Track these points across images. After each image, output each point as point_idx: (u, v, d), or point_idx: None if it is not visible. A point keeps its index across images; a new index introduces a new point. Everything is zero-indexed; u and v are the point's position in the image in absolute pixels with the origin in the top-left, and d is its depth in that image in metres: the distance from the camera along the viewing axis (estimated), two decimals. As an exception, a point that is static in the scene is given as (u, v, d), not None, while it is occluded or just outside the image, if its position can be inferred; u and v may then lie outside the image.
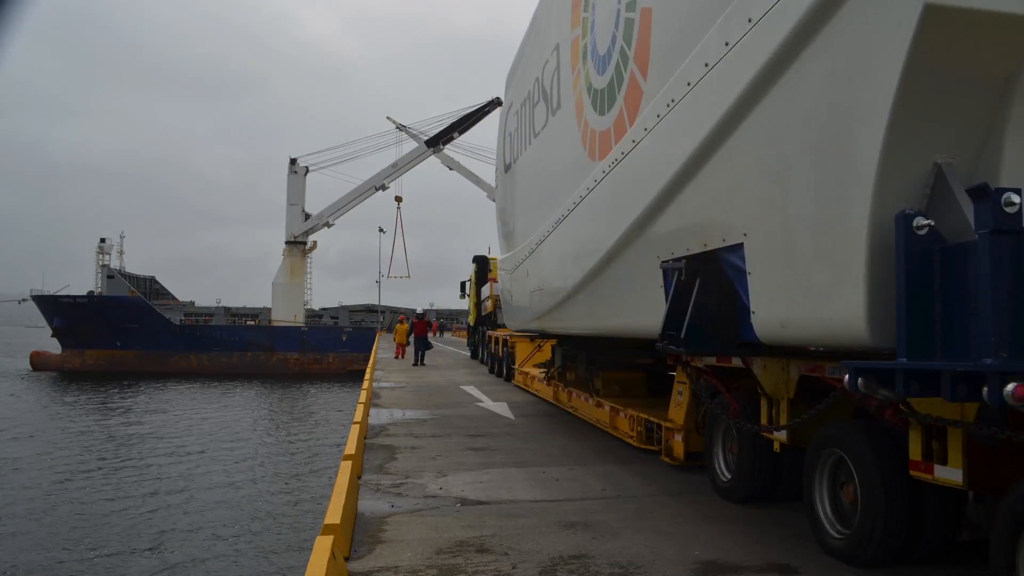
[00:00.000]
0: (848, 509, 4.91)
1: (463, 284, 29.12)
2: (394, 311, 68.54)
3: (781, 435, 5.68)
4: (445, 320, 69.47)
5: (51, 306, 50.00)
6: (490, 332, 22.83)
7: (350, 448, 7.60)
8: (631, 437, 9.21)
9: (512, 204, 13.21)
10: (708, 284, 5.60)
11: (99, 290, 52.93)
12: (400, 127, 52.60)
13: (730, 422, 6.47)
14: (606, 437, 9.97)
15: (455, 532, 5.60)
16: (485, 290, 26.24)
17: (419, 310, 40.46)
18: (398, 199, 56.35)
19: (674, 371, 8.36)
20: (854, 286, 3.96)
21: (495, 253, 22.84)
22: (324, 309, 66.32)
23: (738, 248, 5.17)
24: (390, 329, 61.32)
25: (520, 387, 16.65)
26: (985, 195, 3.44)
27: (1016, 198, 3.33)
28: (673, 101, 5.79)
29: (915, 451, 4.33)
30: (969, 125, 3.86)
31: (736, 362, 6.29)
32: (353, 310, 67.18)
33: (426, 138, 52.47)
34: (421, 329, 26.02)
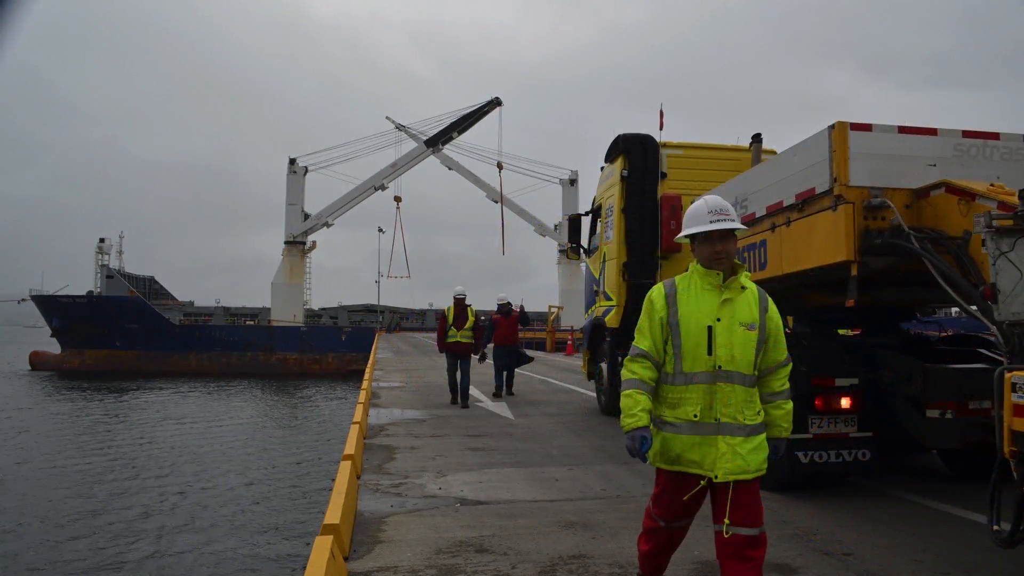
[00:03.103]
0: None
1: (572, 221, 12.82)
2: (393, 311, 68.53)
3: None
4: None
5: (50, 306, 50.08)
6: None
7: (349, 448, 7.60)
8: None
9: None
10: None
11: (98, 290, 53.07)
12: (399, 127, 52.73)
13: None
14: (606, 437, 9.97)
15: (454, 532, 5.59)
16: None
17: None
18: (397, 199, 56.48)
19: None
20: None
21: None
22: (323, 309, 66.37)
23: None
24: (389, 329, 61.14)
25: None
26: None
27: None
28: None
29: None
30: None
31: None
32: (352, 310, 67.21)
33: (425, 138, 52.55)
34: (508, 333, 14.57)
